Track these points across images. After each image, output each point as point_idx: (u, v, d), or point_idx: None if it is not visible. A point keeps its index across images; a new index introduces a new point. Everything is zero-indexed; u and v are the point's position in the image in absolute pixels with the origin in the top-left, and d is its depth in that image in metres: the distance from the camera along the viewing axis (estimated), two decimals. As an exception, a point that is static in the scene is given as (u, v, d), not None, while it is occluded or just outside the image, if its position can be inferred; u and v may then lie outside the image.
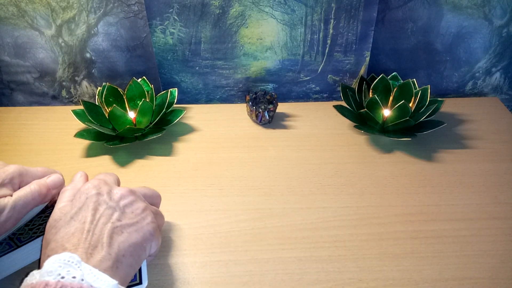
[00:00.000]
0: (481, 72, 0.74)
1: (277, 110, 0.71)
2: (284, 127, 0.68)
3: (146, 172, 0.59)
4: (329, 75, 0.72)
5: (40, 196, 0.41)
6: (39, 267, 0.34)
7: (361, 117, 0.65)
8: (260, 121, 0.68)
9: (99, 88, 0.65)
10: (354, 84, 0.73)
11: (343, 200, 0.54)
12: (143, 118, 0.63)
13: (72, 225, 0.36)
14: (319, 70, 0.71)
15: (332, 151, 0.63)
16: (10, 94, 0.74)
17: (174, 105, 0.68)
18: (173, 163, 0.61)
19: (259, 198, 0.55)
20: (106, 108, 0.63)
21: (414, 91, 0.63)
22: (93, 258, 0.33)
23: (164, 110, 0.65)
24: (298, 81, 0.73)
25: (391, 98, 0.66)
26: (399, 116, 0.61)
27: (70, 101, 0.75)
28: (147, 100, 0.62)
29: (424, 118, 0.62)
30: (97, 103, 0.64)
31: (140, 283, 0.40)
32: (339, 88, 0.73)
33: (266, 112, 0.67)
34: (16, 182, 0.41)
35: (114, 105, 0.60)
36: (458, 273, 0.45)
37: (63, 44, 0.68)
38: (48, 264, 0.31)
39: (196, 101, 0.75)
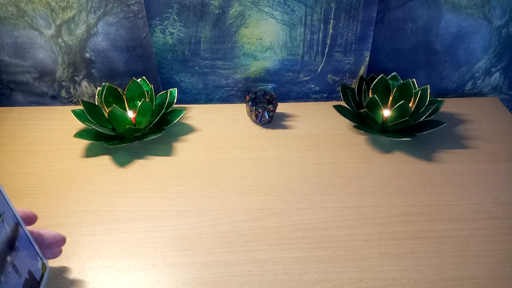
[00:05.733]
0: (480, 72, 0.74)
1: (277, 110, 0.71)
2: (284, 127, 0.68)
3: (145, 172, 0.59)
4: (329, 75, 0.72)
5: None
6: None
7: (361, 117, 0.65)
8: (260, 121, 0.68)
9: (98, 88, 0.64)
10: (354, 84, 0.73)
11: (343, 200, 0.54)
12: (142, 118, 0.63)
13: None
14: (319, 70, 0.71)
15: (332, 151, 0.63)
16: (10, 94, 0.74)
17: (174, 105, 0.68)
18: (173, 163, 0.61)
19: (259, 198, 0.55)
20: (105, 108, 0.63)
21: (413, 91, 0.63)
22: None
23: (163, 110, 0.65)
24: (298, 81, 0.73)
25: (390, 98, 0.66)
26: (399, 116, 0.61)
27: (69, 101, 0.75)
28: (147, 100, 0.62)
29: (423, 118, 0.62)
30: (96, 103, 0.64)
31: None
32: (339, 88, 0.73)
33: (266, 112, 0.67)
34: None
35: (114, 105, 0.60)
36: (458, 273, 0.45)
37: (62, 44, 0.68)
38: None
39: (195, 101, 0.75)
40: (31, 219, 0.41)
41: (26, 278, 0.39)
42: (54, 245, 0.43)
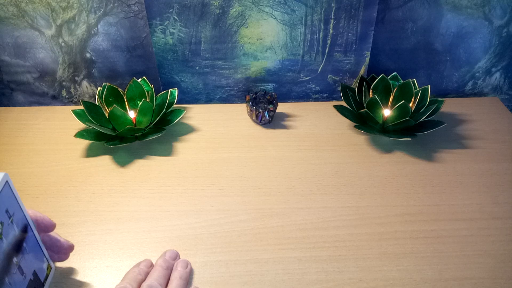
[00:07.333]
0: (481, 72, 0.74)
1: (277, 110, 0.71)
2: (284, 127, 0.68)
3: (146, 172, 0.59)
4: (329, 75, 0.72)
5: None
6: None
7: (361, 117, 0.65)
8: (260, 121, 0.68)
9: (99, 88, 0.65)
10: (354, 84, 0.73)
11: (343, 200, 0.54)
12: (143, 118, 0.63)
13: None
14: (319, 70, 0.71)
15: (332, 151, 0.63)
16: (10, 94, 0.74)
17: (174, 105, 0.68)
18: (173, 163, 0.61)
19: (259, 198, 0.55)
20: (106, 108, 0.63)
21: (414, 91, 0.63)
22: None
23: (164, 110, 0.65)
24: (298, 81, 0.73)
25: (391, 98, 0.66)
26: (399, 116, 0.61)
27: (70, 101, 0.75)
28: (147, 100, 0.62)
29: (424, 118, 0.62)
30: (97, 103, 0.64)
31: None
32: (339, 88, 0.73)
33: (266, 112, 0.67)
34: None
35: (114, 105, 0.60)
36: (458, 273, 0.45)
37: (63, 44, 0.68)
38: None
39: (196, 101, 0.75)
40: (48, 227, 0.42)
41: (30, 279, 0.39)
42: (64, 251, 0.44)
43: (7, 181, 0.36)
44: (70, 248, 0.44)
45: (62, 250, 0.43)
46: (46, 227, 0.41)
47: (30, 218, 0.40)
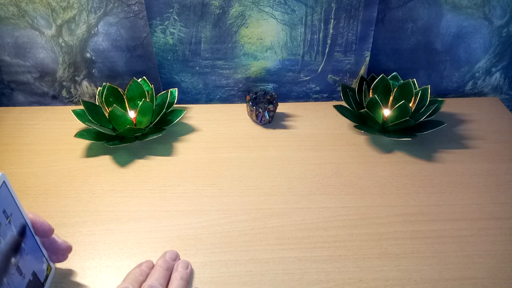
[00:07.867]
0: (481, 72, 0.74)
1: (277, 110, 0.71)
2: (284, 127, 0.68)
3: (146, 172, 0.59)
4: (329, 75, 0.72)
5: None
6: None
7: (361, 117, 0.65)
8: (260, 121, 0.68)
9: (99, 88, 0.65)
10: (354, 84, 0.73)
11: (343, 200, 0.54)
12: (143, 118, 0.63)
13: None
14: (319, 70, 0.71)
15: (332, 151, 0.63)
16: (10, 94, 0.74)
17: (174, 105, 0.68)
18: (173, 163, 0.61)
19: (259, 198, 0.55)
20: (106, 108, 0.63)
21: (414, 91, 0.63)
22: None
23: (164, 110, 0.65)
24: (298, 81, 0.73)
25: (391, 98, 0.66)
26: (399, 116, 0.61)
27: (70, 101, 0.75)
28: (147, 100, 0.62)
29: (424, 118, 0.62)
30: (97, 103, 0.64)
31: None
32: (339, 88, 0.73)
33: (266, 112, 0.67)
34: None
35: (114, 105, 0.60)
36: (458, 273, 0.45)
37: (63, 44, 0.68)
38: None
39: (196, 101, 0.75)
40: (46, 232, 0.42)
41: (29, 280, 0.39)
42: (62, 252, 0.44)
43: (4, 181, 0.36)
44: (68, 249, 0.44)
45: (60, 251, 0.43)
46: (44, 231, 0.41)
47: (28, 219, 0.40)
